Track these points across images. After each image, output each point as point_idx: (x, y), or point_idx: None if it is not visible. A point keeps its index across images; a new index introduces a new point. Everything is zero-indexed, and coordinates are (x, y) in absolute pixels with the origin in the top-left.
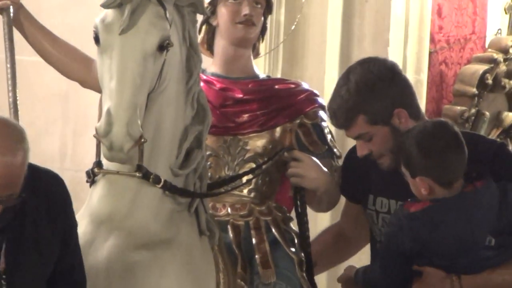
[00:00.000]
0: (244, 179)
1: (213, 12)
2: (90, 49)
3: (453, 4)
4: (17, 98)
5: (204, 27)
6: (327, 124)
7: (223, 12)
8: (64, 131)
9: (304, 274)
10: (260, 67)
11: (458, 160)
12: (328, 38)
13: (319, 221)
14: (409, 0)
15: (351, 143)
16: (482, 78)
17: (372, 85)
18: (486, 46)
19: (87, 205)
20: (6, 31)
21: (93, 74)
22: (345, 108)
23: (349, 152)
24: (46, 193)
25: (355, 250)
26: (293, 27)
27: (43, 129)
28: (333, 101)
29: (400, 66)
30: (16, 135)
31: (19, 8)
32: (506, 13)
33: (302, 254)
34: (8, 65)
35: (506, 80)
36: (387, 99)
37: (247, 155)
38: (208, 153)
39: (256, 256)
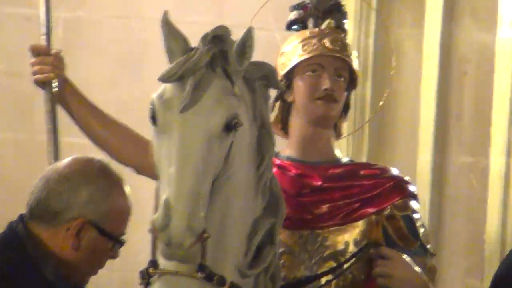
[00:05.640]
0: (323, 280)
1: (288, 86)
2: (146, 130)
3: None
4: None
5: (277, 104)
6: (419, 216)
7: (299, 86)
8: None
9: None
10: (343, 150)
11: None
12: (422, 116)
13: None
14: (508, 77)
15: None
16: None
17: None
18: None
19: None
20: (48, 109)
21: (151, 158)
22: None
23: None
24: None
25: None
26: (381, 103)
27: None
28: None
29: (505, 147)
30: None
31: (64, 81)
32: None
33: None
34: (51, 148)
35: None
36: None
37: (327, 253)
38: (281, 250)
39: None
